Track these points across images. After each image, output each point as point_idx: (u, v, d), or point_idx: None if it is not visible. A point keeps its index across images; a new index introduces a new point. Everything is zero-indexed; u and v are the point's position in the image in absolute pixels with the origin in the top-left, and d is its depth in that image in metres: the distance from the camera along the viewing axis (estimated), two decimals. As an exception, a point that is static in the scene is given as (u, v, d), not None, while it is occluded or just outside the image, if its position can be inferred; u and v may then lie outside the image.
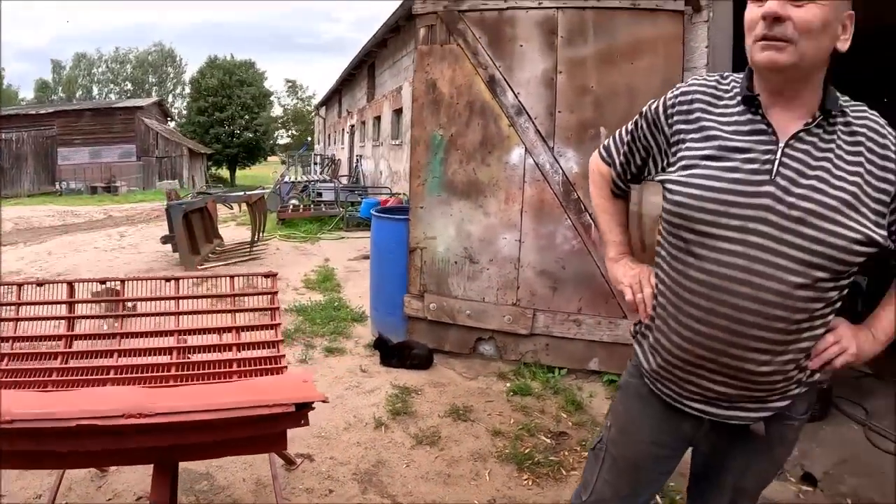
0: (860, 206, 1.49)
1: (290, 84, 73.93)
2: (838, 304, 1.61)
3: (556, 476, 3.64)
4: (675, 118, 1.71)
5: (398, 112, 15.79)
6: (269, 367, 3.15)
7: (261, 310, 3.46)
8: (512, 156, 5.12)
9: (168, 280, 3.40)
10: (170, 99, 62.88)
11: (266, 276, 3.51)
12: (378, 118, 19.16)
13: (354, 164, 22.90)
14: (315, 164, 30.76)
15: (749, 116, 1.59)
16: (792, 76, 1.52)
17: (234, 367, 3.15)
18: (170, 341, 3.25)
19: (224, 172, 57.20)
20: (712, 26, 4.76)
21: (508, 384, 4.94)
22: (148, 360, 3.17)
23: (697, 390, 1.68)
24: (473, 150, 5.21)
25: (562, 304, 5.07)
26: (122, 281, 3.38)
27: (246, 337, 3.32)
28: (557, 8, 4.90)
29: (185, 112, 59.29)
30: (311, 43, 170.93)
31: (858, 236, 1.47)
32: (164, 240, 9.61)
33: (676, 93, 1.74)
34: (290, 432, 2.29)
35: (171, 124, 48.51)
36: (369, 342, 5.64)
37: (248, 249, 9.96)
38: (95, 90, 64.59)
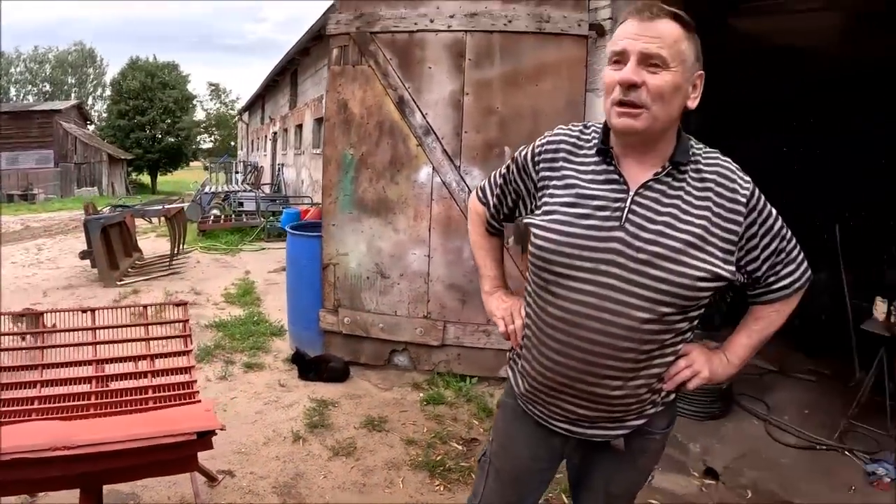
0: (707, 245, 1.64)
1: (213, 87, 72.46)
2: (689, 334, 1.79)
3: (467, 481, 3.80)
4: (542, 165, 1.84)
5: (320, 121, 15.58)
6: (182, 391, 3.27)
7: (174, 337, 3.57)
8: (420, 174, 5.26)
9: (85, 311, 3.50)
10: (90, 101, 60.64)
11: (177, 304, 3.65)
12: (300, 126, 18.86)
13: (276, 173, 22.57)
14: (237, 172, 30.07)
15: (604, 167, 1.73)
16: (646, 137, 1.66)
17: (150, 394, 3.24)
18: (89, 370, 3.34)
19: (145, 178, 55.68)
20: (614, 50, 4.97)
21: (422, 394, 5.09)
22: (70, 390, 3.26)
23: (561, 412, 1.84)
24: (383, 168, 5.33)
25: (471, 315, 5.24)
26: (42, 313, 3.48)
27: (160, 364, 3.43)
28: (466, 31, 5.06)
29: (105, 115, 57.30)
30: (236, 44, 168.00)
31: (703, 274, 1.62)
32: (83, 255, 9.41)
33: (543, 141, 1.87)
34: (212, 451, 2.53)
35: (91, 128, 46.96)
36: (288, 356, 5.71)
37: (168, 263, 9.85)
38: (13, 91, 61.28)
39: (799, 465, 4.41)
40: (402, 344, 5.52)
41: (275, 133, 25.16)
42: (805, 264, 1.84)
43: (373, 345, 5.57)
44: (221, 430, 2.29)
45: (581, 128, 1.86)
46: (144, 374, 3.36)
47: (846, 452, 4.60)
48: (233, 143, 52.67)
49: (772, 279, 1.80)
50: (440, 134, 5.18)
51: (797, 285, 1.83)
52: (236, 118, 52.41)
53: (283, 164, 22.13)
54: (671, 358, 1.78)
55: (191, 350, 3.51)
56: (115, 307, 3.68)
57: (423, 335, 5.38)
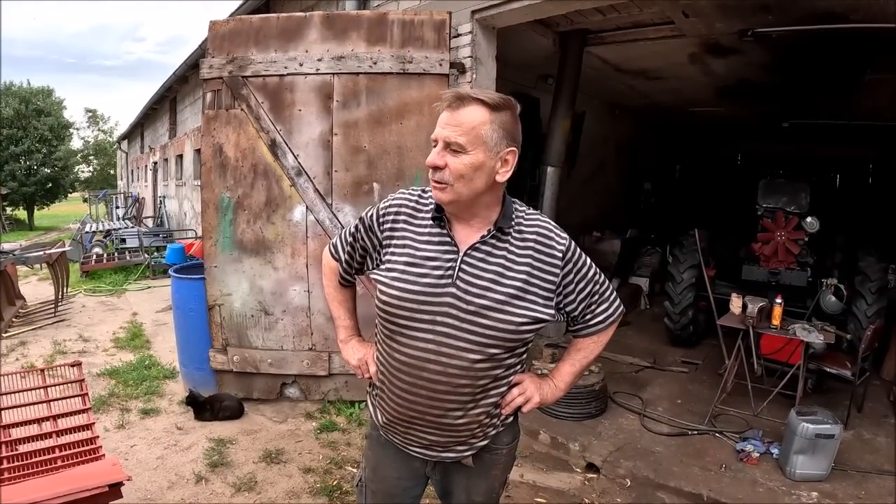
0: (528, 294, 1.93)
1: (90, 114, 68.44)
2: (518, 367, 2.09)
3: (363, 503, 4.06)
4: (385, 226, 2.07)
5: (200, 152, 15.28)
6: (86, 448, 3.38)
7: (72, 397, 3.67)
8: (294, 214, 5.41)
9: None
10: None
11: (72, 365, 3.79)
12: (180, 156, 18.36)
13: (158, 205, 21.82)
14: (117, 206, 28.57)
15: (438, 230, 1.99)
16: (458, 207, 1.93)
17: (58, 453, 3.33)
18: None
19: (22, 213, 52.70)
20: (475, 85, 5.28)
21: (315, 423, 5.26)
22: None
23: (416, 439, 2.13)
24: (259, 210, 5.44)
25: (354, 344, 5.43)
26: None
27: (63, 423, 3.52)
28: (333, 74, 5.24)
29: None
30: (114, 65, 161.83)
31: (525, 320, 1.92)
32: (-33, 308, 9.07)
33: (386, 204, 2.10)
34: (121, 501, 2.76)
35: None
36: (182, 399, 5.68)
37: (54, 310, 9.56)
38: None
39: (672, 450, 4.81)
40: (292, 377, 5.65)
41: (155, 163, 24.15)
42: (617, 302, 2.20)
43: (264, 380, 5.67)
44: (128, 480, 2.50)
45: (420, 192, 2.11)
46: (49, 435, 3.44)
47: (716, 434, 5.04)
48: (112, 172, 50.14)
49: (588, 316, 2.14)
50: (312, 174, 5.35)
51: (610, 320, 2.18)
52: (115, 146, 50.27)
53: (165, 196, 21.41)
54: (504, 388, 2.08)
55: (89, 408, 3.62)
56: (14, 373, 3.74)
57: (311, 367, 5.54)
